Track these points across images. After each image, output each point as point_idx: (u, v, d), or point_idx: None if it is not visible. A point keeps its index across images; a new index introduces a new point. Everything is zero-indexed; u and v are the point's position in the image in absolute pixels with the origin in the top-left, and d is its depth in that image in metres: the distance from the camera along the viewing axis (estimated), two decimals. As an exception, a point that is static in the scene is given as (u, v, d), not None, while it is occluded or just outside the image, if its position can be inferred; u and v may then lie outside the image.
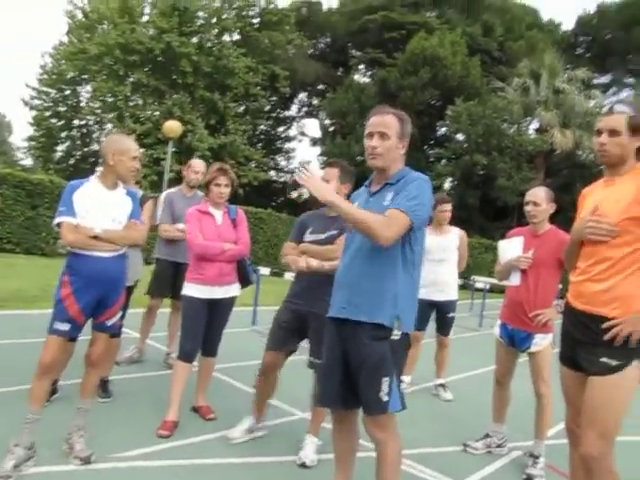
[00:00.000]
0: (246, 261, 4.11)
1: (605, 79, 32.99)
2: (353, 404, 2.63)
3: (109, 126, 25.87)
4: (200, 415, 4.05)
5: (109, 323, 3.25)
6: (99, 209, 3.14)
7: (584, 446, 2.52)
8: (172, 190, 5.32)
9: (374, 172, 2.72)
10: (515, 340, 3.87)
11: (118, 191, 3.27)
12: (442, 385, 5.50)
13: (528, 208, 3.87)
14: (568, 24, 34.40)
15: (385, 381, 2.46)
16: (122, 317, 3.73)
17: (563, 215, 3.97)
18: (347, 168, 3.70)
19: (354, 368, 2.55)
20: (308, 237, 3.66)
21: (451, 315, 5.46)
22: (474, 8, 30.92)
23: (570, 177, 27.34)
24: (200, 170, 5.16)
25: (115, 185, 3.26)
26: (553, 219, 3.98)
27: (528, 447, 3.98)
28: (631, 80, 32.23)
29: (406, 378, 5.35)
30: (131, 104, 24.27)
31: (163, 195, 5.27)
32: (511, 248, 3.93)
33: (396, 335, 2.49)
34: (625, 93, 32.67)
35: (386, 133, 2.57)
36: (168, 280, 5.04)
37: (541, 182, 26.09)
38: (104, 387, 4.17)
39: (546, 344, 3.80)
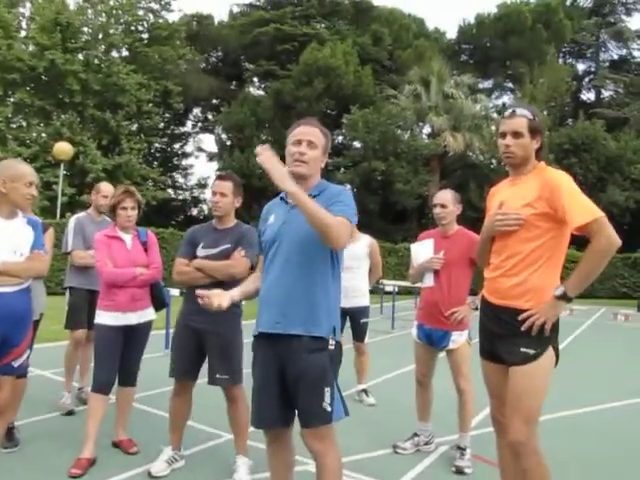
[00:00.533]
0: (160, 284, 3.97)
1: (488, 84, 35.23)
2: (290, 420, 2.59)
3: (-10, 150, 24.22)
4: (122, 450, 3.83)
5: (16, 364, 3.00)
6: (-2, 241, 2.91)
7: (511, 433, 2.62)
8: (80, 215, 5.05)
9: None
10: (433, 339, 3.98)
11: (17, 220, 3.03)
12: (364, 390, 5.54)
13: (437, 210, 4.00)
14: (451, 33, 36.37)
15: (327, 391, 2.45)
16: (28, 355, 3.46)
17: (460, 214, 4.14)
18: (239, 181, 3.70)
19: (292, 382, 2.49)
20: (201, 252, 3.57)
21: (364, 321, 5.53)
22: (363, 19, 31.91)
23: (463, 177, 28.86)
24: (109, 194, 4.94)
25: (13, 214, 3.02)
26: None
27: (454, 441, 4.11)
28: (510, 85, 34.55)
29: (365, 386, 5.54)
30: (14, 126, 22.91)
31: (73, 220, 4.98)
32: (423, 250, 4.05)
33: (332, 345, 2.49)
34: (506, 97, 35.01)
35: (314, 142, 2.56)
36: (84, 310, 4.73)
37: (437, 184, 27.32)
38: (10, 435, 3.78)
39: (463, 341, 3.94)
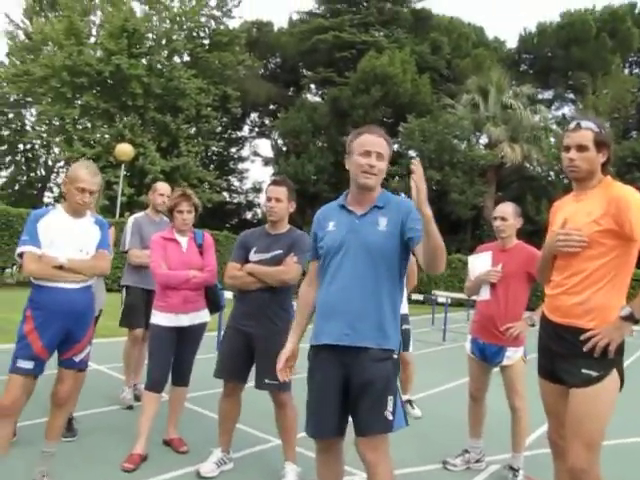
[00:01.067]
0: (216, 286, 4.02)
1: (548, 95, 34.34)
2: (344, 430, 2.59)
3: (57, 150, 25.28)
4: (172, 448, 3.90)
5: (77, 359, 3.10)
6: (65, 238, 3.01)
7: (571, 459, 2.52)
8: (139, 215, 5.19)
9: (349, 192, 2.67)
10: (487, 355, 3.88)
11: (85, 219, 3.13)
12: (409, 401, 5.42)
13: (497, 223, 3.91)
14: (512, 42, 35.67)
15: (390, 399, 2.46)
16: (89, 351, 3.57)
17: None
18: (292, 186, 3.69)
19: (357, 391, 2.48)
20: (253, 257, 3.58)
21: (406, 327, 5.21)
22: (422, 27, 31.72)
23: (520, 189, 28.20)
24: (166, 193, 5.06)
25: (81, 213, 3.12)
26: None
27: (506, 460, 3.99)
28: (572, 96, 33.59)
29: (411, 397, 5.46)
30: (80, 127, 23.84)
31: (131, 220, 5.12)
32: (480, 263, 3.96)
33: (396, 354, 2.53)
34: (567, 108, 34.07)
35: (382, 154, 2.55)
36: (141, 309, 4.84)
37: (493, 195, 26.83)
38: (69, 426, 3.90)
39: (518, 357, 3.82)
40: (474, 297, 4.07)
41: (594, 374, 2.51)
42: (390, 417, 2.44)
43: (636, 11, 33.73)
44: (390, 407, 2.44)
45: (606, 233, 2.53)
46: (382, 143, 2.56)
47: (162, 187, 5.16)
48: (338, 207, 2.69)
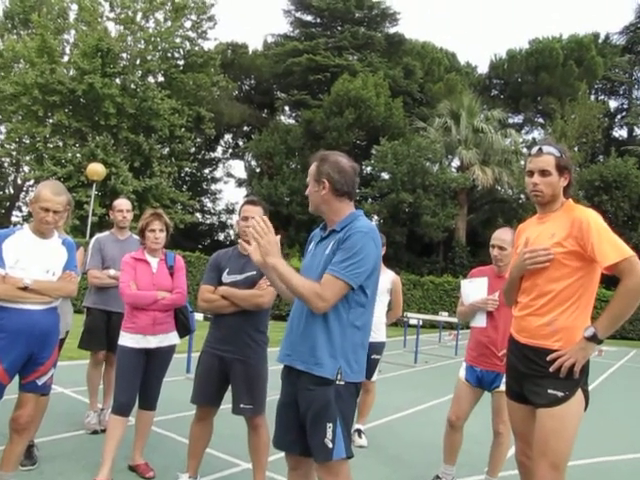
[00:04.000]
0: (187, 309, 3.97)
1: (519, 119, 35.16)
2: (307, 449, 2.53)
3: (26, 169, 24.91)
4: (138, 474, 3.80)
5: (40, 382, 3.01)
6: (31, 259, 2.95)
7: (538, 478, 2.54)
8: (103, 234, 5.09)
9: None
10: (484, 382, 3.80)
11: (52, 240, 3.08)
12: (359, 430, 5.09)
13: (495, 253, 3.82)
14: (483, 67, 36.49)
15: (329, 427, 2.40)
16: (52, 374, 3.48)
17: (487, 249, 4.01)
18: (267, 207, 3.69)
19: (302, 413, 2.50)
20: (226, 278, 3.54)
21: (375, 357, 5.09)
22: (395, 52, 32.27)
23: (491, 212, 28.66)
24: (125, 208, 4.98)
25: (48, 234, 3.06)
26: (476, 253, 3.97)
27: (476, 483, 3.99)
28: (541, 120, 34.43)
29: (361, 426, 5.14)
30: (51, 146, 23.54)
31: (92, 240, 5.04)
32: (475, 288, 3.88)
33: (340, 381, 2.44)
34: (537, 132, 34.87)
35: (309, 182, 2.62)
36: (101, 331, 4.76)
37: (464, 218, 27.20)
38: (28, 452, 3.73)
39: None
40: (472, 324, 3.92)
41: (560, 394, 2.54)
42: (330, 445, 2.39)
43: (599, 41, 34.94)
44: (329, 435, 2.39)
45: (570, 255, 2.58)
46: (311, 171, 2.61)
47: (120, 203, 5.06)
48: (319, 229, 2.74)
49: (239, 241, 3.43)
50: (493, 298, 3.74)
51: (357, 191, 2.72)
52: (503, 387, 3.52)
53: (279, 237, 2.48)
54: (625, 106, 37.00)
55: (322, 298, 2.38)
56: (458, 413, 3.87)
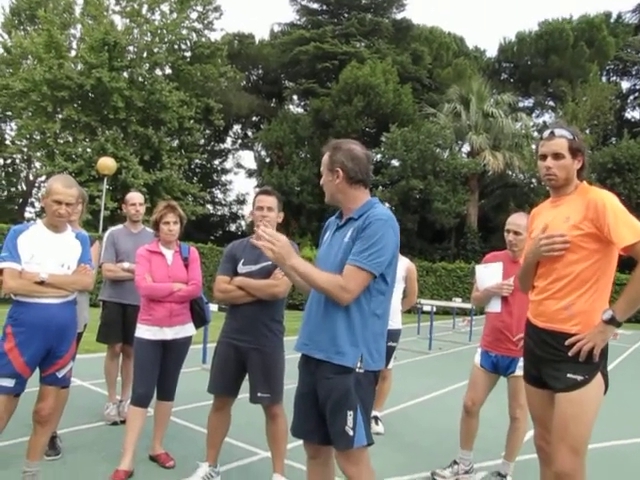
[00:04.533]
0: (202, 300, 3.99)
1: (529, 103, 34.82)
2: (326, 438, 2.55)
3: (38, 165, 25.06)
4: (159, 464, 3.85)
5: (60, 375, 3.05)
6: (46, 253, 2.97)
7: (557, 463, 2.53)
8: (116, 228, 5.12)
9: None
10: (499, 367, 3.81)
11: (66, 234, 3.10)
12: (376, 417, 5.09)
13: (510, 237, 3.81)
14: (492, 51, 36.11)
15: (350, 415, 2.41)
16: (71, 367, 3.52)
17: (499, 234, 3.96)
18: (280, 196, 3.68)
19: (321, 402, 2.51)
20: (242, 269, 3.55)
21: (391, 344, 5.04)
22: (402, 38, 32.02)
23: (503, 197, 28.49)
24: (137, 202, 5.00)
25: (61, 228, 3.09)
26: (488, 238, 3.93)
27: (492, 467, 4.00)
28: (552, 103, 34.07)
29: (378, 413, 5.15)
30: (61, 141, 23.64)
31: (106, 234, 5.07)
32: (489, 273, 3.87)
33: (360, 369, 2.44)
34: (548, 115, 34.53)
35: (322, 172, 2.62)
36: (118, 324, 4.80)
37: (476, 203, 27.06)
38: (52, 443, 3.82)
39: None
40: (487, 309, 3.92)
41: (579, 378, 2.53)
42: (350, 433, 2.40)
43: (611, 20, 34.41)
44: (350, 423, 2.40)
45: (587, 237, 2.56)
46: (324, 160, 2.63)
47: (132, 197, 5.07)
48: (334, 218, 2.74)
49: (256, 229, 3.45)
50: (508, 283, 3.72)
51: (370, 178, 2.70)
52: (519, 372, 3.56)
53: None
54: (638, 87, 36.49)
55: (346, 290, 2.38)
56: (474, 398, 3.88)
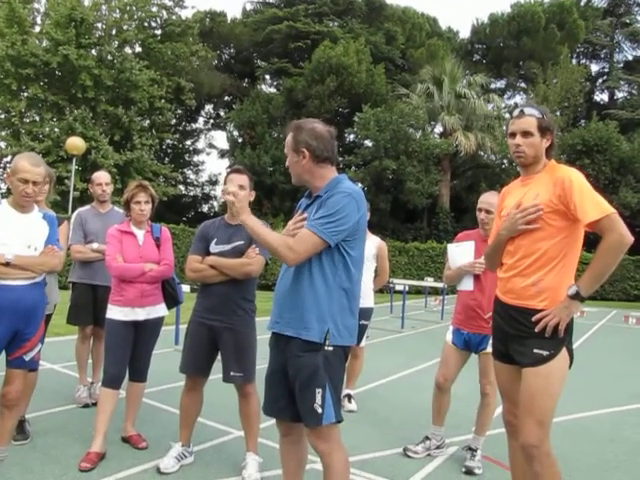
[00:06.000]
0: (174, 280, 3.96)
1: (501, 84, 35.04)
2: (297, 415, 2.57)
3: (2, 144, 24.40)
4: (131, 445, 3.84)
5: (27, 358, 3.00)
6: (11, 234, 2.90)
7: (524, 435, 2.60)
8: (84, 208, 5.02)
9: None
10: (471, 344, 3.87)
11: (33, 214, 3.03)
12: (348, 395, 5.19)
13: (481, 216, 3.85)
14: (465, 32, 36.13)
15: (318, 392, 2.44)
16: (40, 349, 3.47)
17: (471, 214, 4.00)
18: (252, 175, 3.68)
19: (291, 379, 2.53)
20: (214, 248, 3.54)
21: (363, 323, 5.01)
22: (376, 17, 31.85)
23: (474, 177, 28.75)
24: (103, 181, 4.89)
25: (28, 208, 3.02)
26: (460, 218, 3.96)
27: (463, 442, 4.09)
28: (523, 85, 34.35)
29: (351, 392, 5.22)
30: (27, 120, 23.03)
31: (74, 215, 4.97)
32: (461, 253, 3.91)
33: (328, 346, 2.46)
34: (519, 97, 34.83)
35: (287, 153, 2.61)
36: (88, 306, 4.74)
37: (448, 184, 27.26)
38: (20, 428, 3.75)
39: None
40: (459, 287, 3.97)
41: (545, 353, 2.59)
42: (319, 410, 2.43)
43: (581, 4, 34.69)
44: (319, 400, 2.43)
45: (554, 214, 2.61)
46: (287, 142, 2.63)
47: (99, 176, 4.96)
48: (304, 197, 2.73)
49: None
50: (479, 261, 3.76)
51: (340, 159, 2.71)
52: (489, 349, 3.58)
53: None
54: (606, 70, 37.00)
55: (293, 250, 2.40)
56: (446, 375, 3.94)
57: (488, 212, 3.79)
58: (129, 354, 3.81)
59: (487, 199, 3.85)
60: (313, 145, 2.53)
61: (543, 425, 2.56)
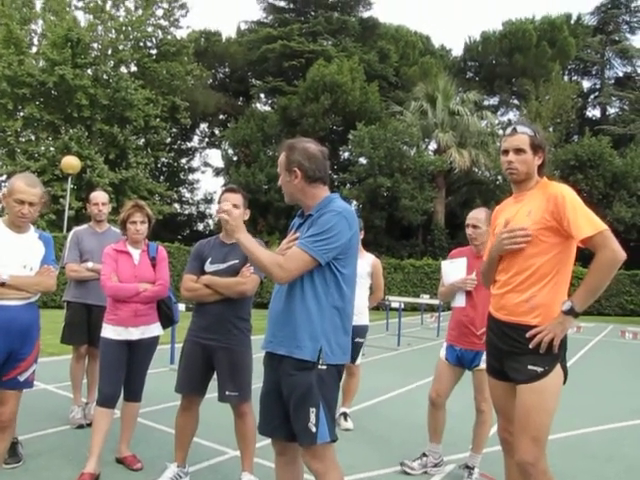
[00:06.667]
0: (171, 300, 3.96)
1: (494, 101, 35.43)
2: (292, 434, 2.56)
3: (-2, 164, 24.42)
4: (126, 466, 3.80)
5: (22, 378, 2.98)
6: (7, 254, 2.90)
7: (519, 453, 2.59)
8: (81, 227, 5.03)
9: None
10: (464, 360, 3.87)
11: (29, 234, 3.03)
12: (344, 414, 5.14)
13: (469, 231, 3.88)
14: (457, 50, 36.58)
15: (312, 411, 2.43)
16: (34, 370, 3.45)
17: (465, 231, 4.03)
18: (246, 194, 3.69)
19: (285, 398, 2.52)
20: (209, 267, 3.54)
21: (358, 340, 5.06)
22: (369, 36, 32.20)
23: (469, 194, 28.90)
24: (100, 201, 4.90)
25: (24, 228, 3.02)
26: (455, 235, 4.01)
27: (461, 460, 4.06)
28: (516, 101, 34.69)
29: (347, 410, 5.17)
30: (23, 140, 23.10)
31: (71, 233, 4.97)
32: (454, 269, 3.93)
33: (322, 366, 2.46)
34: (512, 113, 35.16)
35: (280, 173, 2.63)
36: (83, 325, 4.72)
37: (443, 200, 27.38)
38: (12, 450, 3.68)
39: None
40: (453, 304, 3.98)
41: (539, 370, 2.59)
42: (313, 429, 2.42)
43: (572, 21, 35.21)
44: (313, 419, 2.42)
45: (547, 230, 2.63)
46: (280, 162, 2.64)
47: (96, 196, 4.97)
48: (297, 217, 2.74)
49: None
50: (471, 278, 3.79)
51: (335, 176, 2.74)
52: (483, 365, 3.55)
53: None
54: (598, 86, 37.44)
55: (283, 269, 2.41)
56: (439, 390, 3.94)
57: (475, 227, 3.84)
58: (124, 373, 3.79)
59: (474, 215, 3.92)
60: (305, 165, 2.55)
61: (539, 442, 2.56)
